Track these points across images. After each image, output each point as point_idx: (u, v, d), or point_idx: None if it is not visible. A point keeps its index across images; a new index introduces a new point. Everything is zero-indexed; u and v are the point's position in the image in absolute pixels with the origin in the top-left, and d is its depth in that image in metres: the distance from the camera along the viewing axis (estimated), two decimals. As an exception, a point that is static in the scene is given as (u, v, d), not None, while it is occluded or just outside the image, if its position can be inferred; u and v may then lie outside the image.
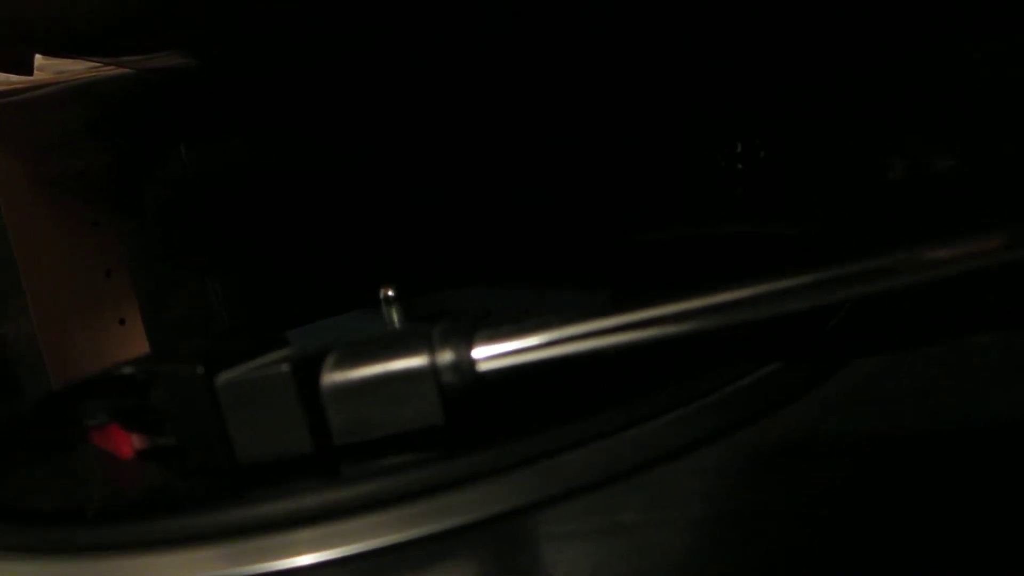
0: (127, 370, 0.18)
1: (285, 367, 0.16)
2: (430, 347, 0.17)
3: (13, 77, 0.31)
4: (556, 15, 0.34)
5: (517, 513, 0.16)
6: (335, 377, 0.17)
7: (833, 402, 0.18)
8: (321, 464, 0.17)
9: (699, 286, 0.17)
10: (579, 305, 0.26)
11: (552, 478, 0.16)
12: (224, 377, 0.17)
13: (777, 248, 0.31)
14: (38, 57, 0.29)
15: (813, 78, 0.35)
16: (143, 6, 0.25)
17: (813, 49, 0.34)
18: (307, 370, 0.17)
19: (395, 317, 0.24)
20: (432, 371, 0.17)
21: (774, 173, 0.36)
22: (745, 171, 0.37)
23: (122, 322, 0.40)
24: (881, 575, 0.12)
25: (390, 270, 0.31)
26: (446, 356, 0.17)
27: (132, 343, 0.40)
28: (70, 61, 0.31)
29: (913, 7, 0.31)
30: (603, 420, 0.17)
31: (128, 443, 0.19)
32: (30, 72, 0.29)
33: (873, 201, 0.34)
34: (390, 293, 0.24)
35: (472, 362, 0.17)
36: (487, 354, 0.17)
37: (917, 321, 0.21)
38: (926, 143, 0.33)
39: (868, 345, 0.20)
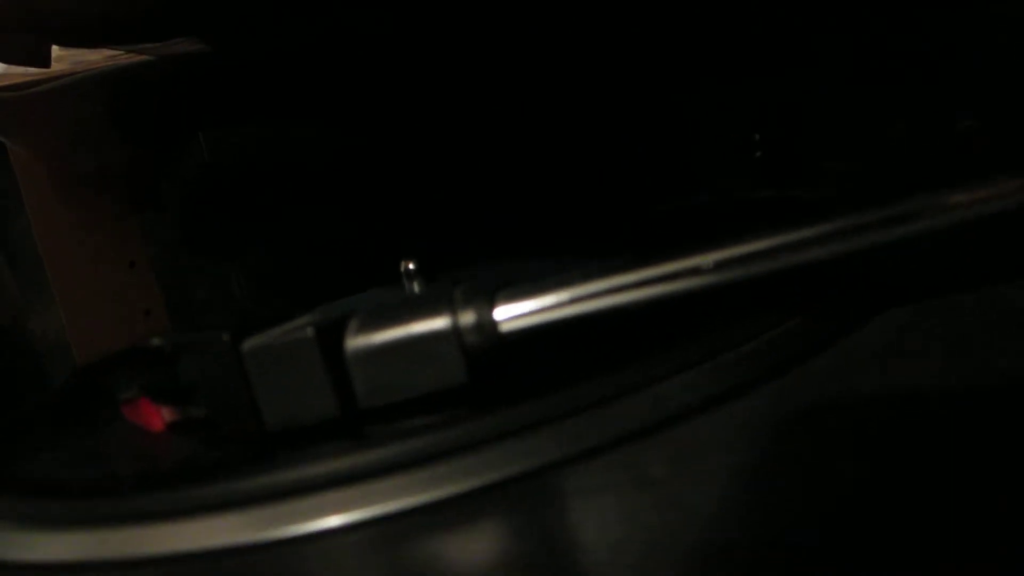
0: (155, 341, 0.18)
1: (309, 331, 0.17)
2: (452, 308, 0.17)
3: (31, 69, 0.31)
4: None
5: (544, 470, 0.16)
6: (359, 341, 0.17)
7: (860, 354, 0.18)
8: (348, 427, 0.17)
9: (721, 239, 0.17)
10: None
11: (578, 435, 0.16)
12: (250, 344, 0.17)
13: (798, 210, 0.30)
14: (55, 48, 0.30)
15: (829, 43, 0.34)
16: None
17: (830, 12, 0.34)
18: (331, 334, 0.17)
19: (416, 290, 0.24)
20: (454, 332, 0.17)
21: (792, 140, 0.36)
22: (763, 139, 0.36)
23: (148, 312, 0.41)
24: (910, 528, 0.12)
25: (411, 249, 0.31)
26: (468, 317, 0.17)
27: (159, 332, 0.41)
28: (87, 51, 0.32)
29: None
30: (628, 376, 0.17)
31: (158, 416, 0.19)
32: (47, 64, 0.30)
33: (893, 164, 0.34)
34: (411, 266, 0.24)
35: (494, 322, 0.17)
36: (509, 314, 0.17)
37: (944, 271, 0.21)
38: (947, 104, 0.33)
39: (895, 296, 0.20)
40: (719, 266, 0.17)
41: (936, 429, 0.15)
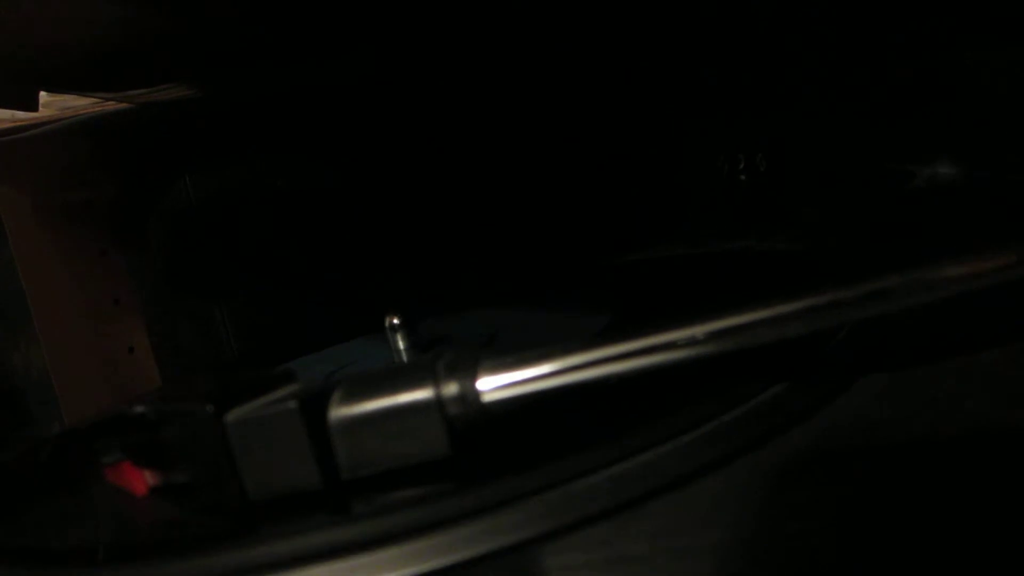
0: (139, 408, 0.18)
1: (293, 404, 0.17)
2: (435, 380, 0.17)
3: (20, 114, 0.31)
4: (555, 34, 0.34)
5: (525, 545, 0.16)
6: (342, 412, 0.17)
7: (839, 424, 0.18)
8: (330, 499, 0.17)
9: (701, 312, 0.17)
10: (583, 325, 0.26)
11: (559, 509, 0.16)
12: (233, 415, 0.17)
13: (780, 265, 0.31)
14: (43, 94, 0.30)
15: (814, 90, 0.35)
16: (145, 37, 0.26)
17: (813, 61, 0.34)
18: (314, 406, 0.17)
19: (400, 344, 0.25)
20: (437, 403, 0.17)
21: (776, 186, 0.36)
22: (747, 184, 0.37)
23: (131, 350, 0.40)
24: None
25: (395, 294, 0.32)
26: (451, 388, 0.17)
27: (142, 370, 0.40)
28: (75, 97, 0.32)
29: (913, 17, 0.31)
30: (608, 449, 0.17)
31: (141, 480, 0.19)
32: (36, 108, 0.30)
33: (876, 212, 0.34)
34: (395, 321, 0.24)
35: (477, 393, 0.17)
36: (492, 385, 0.17)
37: (921, 340, 0.21)
38: (929, 153, 0.33)
39: (872, 365, 0.20)
40: (698, 340, 0.17)
41: (916, 498, 0.15)
